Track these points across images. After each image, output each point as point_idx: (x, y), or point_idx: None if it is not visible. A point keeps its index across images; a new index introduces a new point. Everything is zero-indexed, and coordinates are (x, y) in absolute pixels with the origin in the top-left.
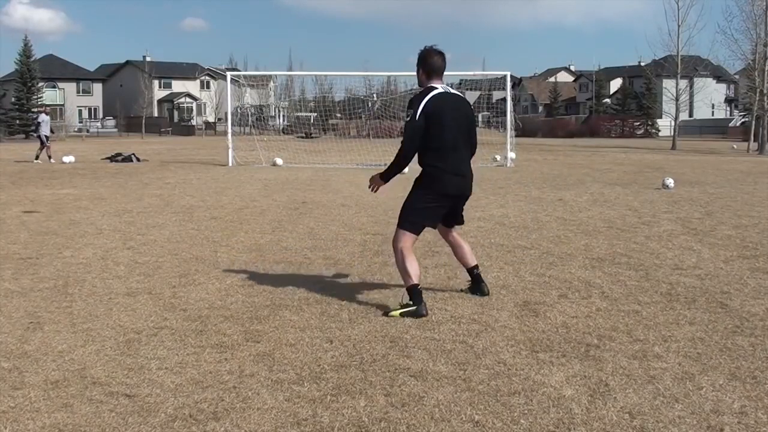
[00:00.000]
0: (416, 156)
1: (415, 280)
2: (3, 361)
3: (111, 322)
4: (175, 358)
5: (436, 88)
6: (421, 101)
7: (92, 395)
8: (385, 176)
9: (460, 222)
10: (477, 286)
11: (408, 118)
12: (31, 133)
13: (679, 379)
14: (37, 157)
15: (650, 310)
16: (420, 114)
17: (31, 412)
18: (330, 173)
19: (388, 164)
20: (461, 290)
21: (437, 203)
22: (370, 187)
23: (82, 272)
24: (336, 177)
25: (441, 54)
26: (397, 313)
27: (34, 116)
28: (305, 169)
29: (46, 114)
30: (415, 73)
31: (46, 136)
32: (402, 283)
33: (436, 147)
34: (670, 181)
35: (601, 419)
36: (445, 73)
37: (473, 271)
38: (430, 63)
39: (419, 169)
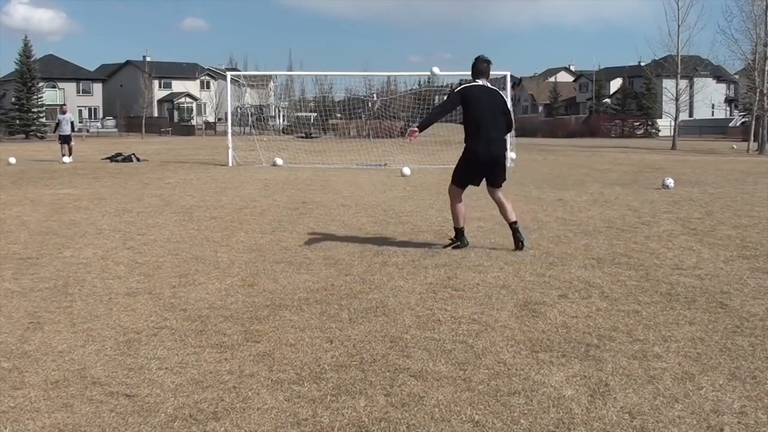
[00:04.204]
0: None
1: (459, 224)
2: (3, 361)
3: (111, 322)
4: (175, 358)
5: (476, 82)
6: (460, 85)
7: (92, 395)
8: (420, 126)
9: (498, 184)
10: (515, 238)
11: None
12: (31, 134)
13: (679, 379)
14: (69, 155)
15: (650, 310)
16: (456, 93)
17: (31, 412)
18: (330, 173)
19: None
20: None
21: (470, 168)
22: (408, 137)
23: (82, 272)
24: (336, 177)
25: (482, 60)
26: (446, 246)
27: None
28: (305, 169)
29: (63, 113)
30: (414, 73)
31: (61, 135)
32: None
33: (468, 124)
34: (670, 181)
35: (601, 419)
36: (486, 74)
37: (511, 226)
38: (474, 67)
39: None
